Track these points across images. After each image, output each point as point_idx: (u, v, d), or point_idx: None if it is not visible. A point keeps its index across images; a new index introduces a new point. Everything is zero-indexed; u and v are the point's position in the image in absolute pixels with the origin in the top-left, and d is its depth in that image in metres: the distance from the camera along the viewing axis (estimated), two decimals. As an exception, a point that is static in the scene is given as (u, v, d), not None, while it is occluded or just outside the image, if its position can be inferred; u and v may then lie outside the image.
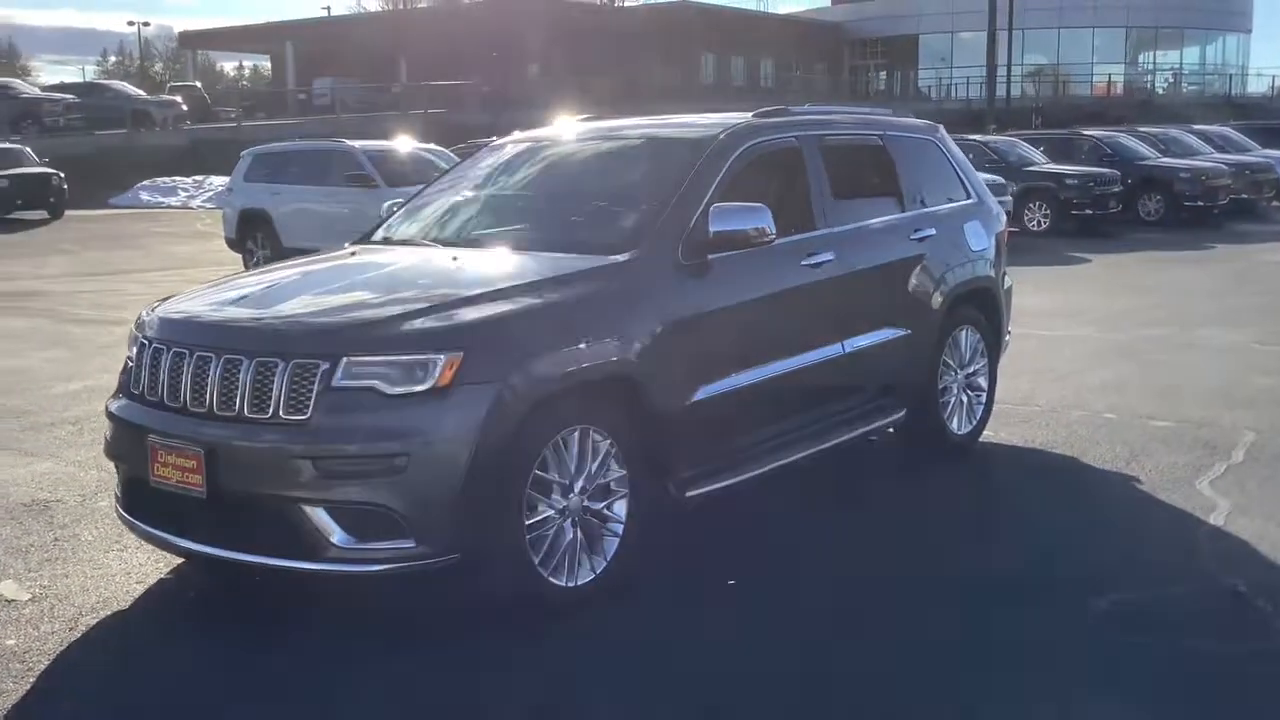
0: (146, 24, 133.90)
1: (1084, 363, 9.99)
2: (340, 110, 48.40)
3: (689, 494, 5.25)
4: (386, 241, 6.07)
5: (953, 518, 6.12)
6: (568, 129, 6.59)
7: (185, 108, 43.53)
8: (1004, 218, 7.62)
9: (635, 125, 6.41)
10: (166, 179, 37.13)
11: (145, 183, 36.74)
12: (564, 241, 5.45)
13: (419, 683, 4.23)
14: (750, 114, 6.23)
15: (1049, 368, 9.76)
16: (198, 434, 4.56)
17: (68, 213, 30.60)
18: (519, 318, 4.65)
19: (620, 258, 5.15)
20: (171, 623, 4.91)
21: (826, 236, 6.04)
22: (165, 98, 46.05)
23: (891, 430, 6.88)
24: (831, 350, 6.04)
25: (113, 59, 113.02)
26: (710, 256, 5.36)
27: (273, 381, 4.44)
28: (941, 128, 7.48)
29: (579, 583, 4.81)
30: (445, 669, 4.32)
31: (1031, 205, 24.11)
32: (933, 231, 6.79)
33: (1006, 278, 7.61)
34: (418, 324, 4.53)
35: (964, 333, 7.09)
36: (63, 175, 30.09)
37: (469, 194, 6.20)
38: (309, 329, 4.61)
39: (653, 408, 5.03)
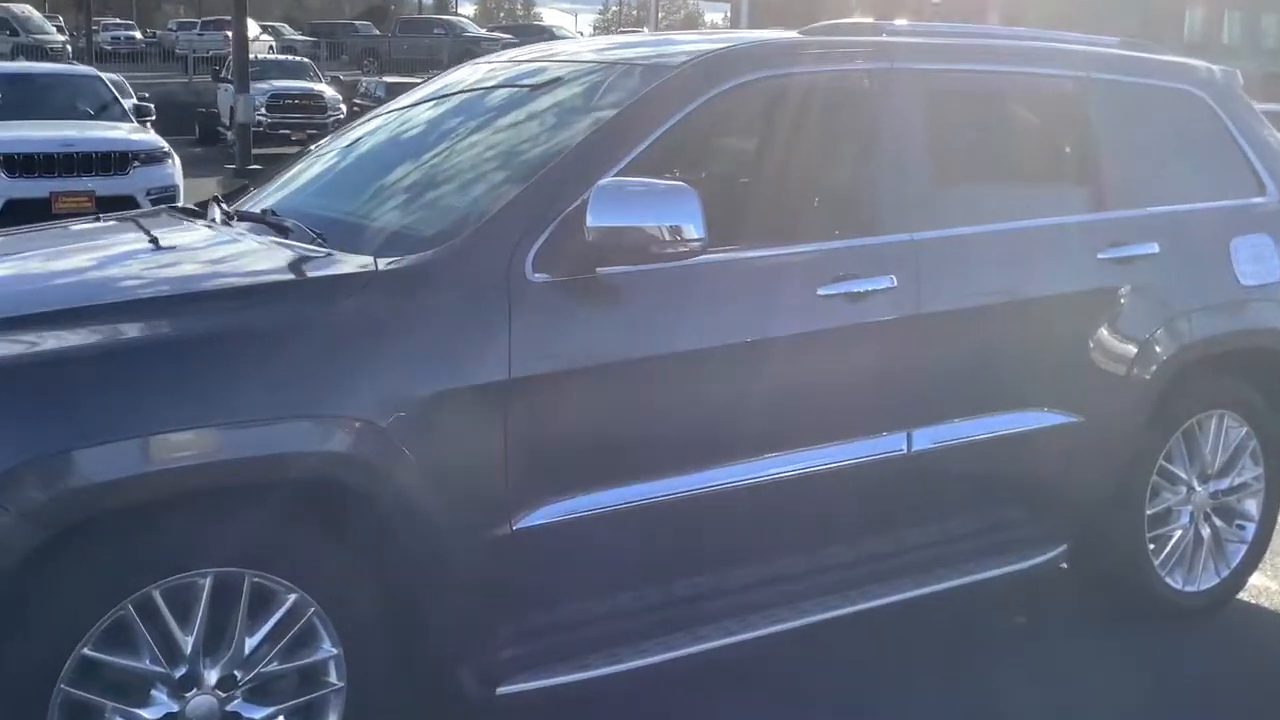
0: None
1: None
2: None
3: (501, 690, 2.95)
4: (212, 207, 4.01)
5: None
6: (546, 50, 4.24)
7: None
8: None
9: (630, 46, 3.97)
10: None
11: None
12: (364, 232, 3.24)
13: None
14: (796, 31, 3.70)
15: None
16: None
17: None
18: (55, 367, 2.51)
19: (371, 267, 2.89)
20: None
21: (885, 249, 3.43)
22: (600, 40, 46.51)
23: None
24: (880, 447, 3.44)
25: (613, 8, 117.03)
26: (603, 270, 2.98)
27: None
28: (1228, 74, 4.47)
29: None
30: None
31: None
32: (1153, 248, 3.93)
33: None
34: None
35: (1213, 422, 4.16)
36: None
37: (356, 143, 4.02)
38: None
39: (418, 539, 2.79)
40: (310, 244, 3.08)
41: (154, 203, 11.12)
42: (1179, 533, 4.17)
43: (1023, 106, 4.05)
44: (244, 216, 3.55)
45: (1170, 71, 4.30)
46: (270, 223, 3.35)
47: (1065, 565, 4.01)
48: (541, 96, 3.57)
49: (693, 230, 2.91)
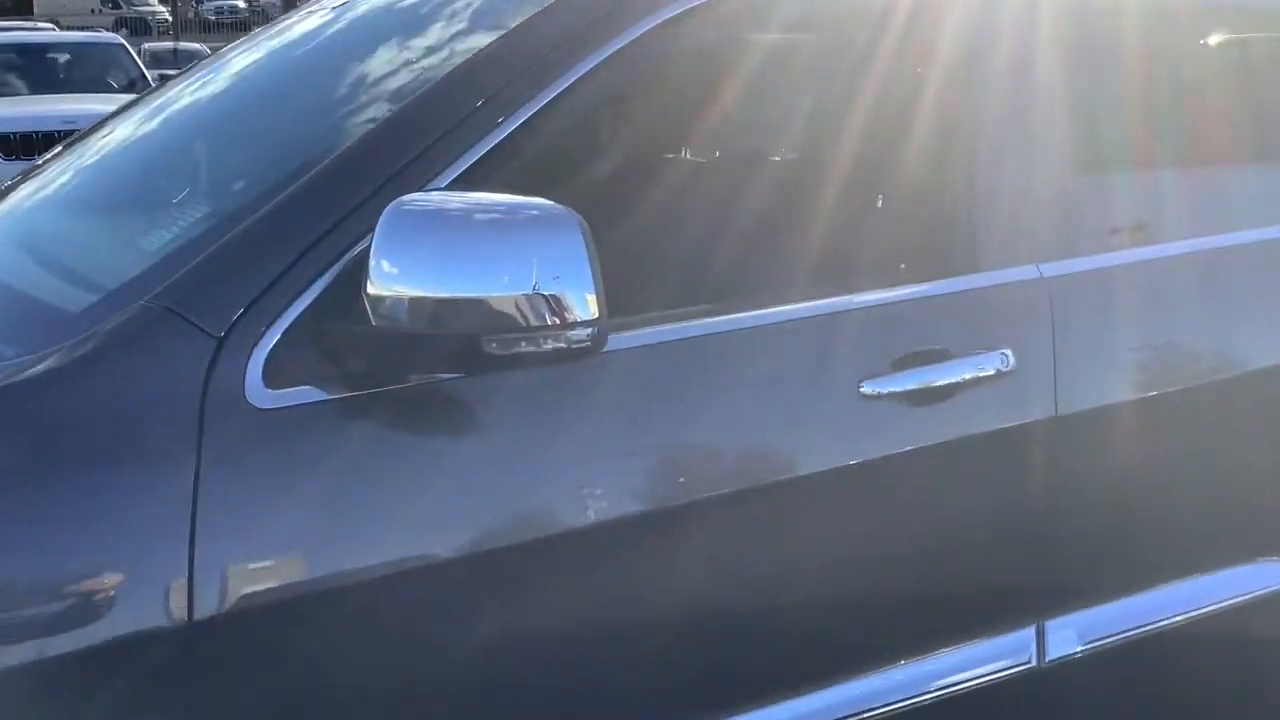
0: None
1: None
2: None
3: None
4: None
5: None
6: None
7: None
8: None
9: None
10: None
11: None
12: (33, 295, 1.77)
13: None
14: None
15: None
16: None
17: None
18: None
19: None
20: None
21: (991, 299, 1.85)
22: None
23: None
24: (987, 658, 1.89)
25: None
26: (422, 380, 1.47)
27: None
28: None
29: None
30: None
31: None
32: None
33: None
34: None
35: None
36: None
37: (133, 122, 2.52)
38: None
39: None
40: None
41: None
42: None
43: (1223, 40, 2.41)
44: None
45: None
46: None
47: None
48: (366, 42, 2.04)
49: (582, 305, 1.39)
